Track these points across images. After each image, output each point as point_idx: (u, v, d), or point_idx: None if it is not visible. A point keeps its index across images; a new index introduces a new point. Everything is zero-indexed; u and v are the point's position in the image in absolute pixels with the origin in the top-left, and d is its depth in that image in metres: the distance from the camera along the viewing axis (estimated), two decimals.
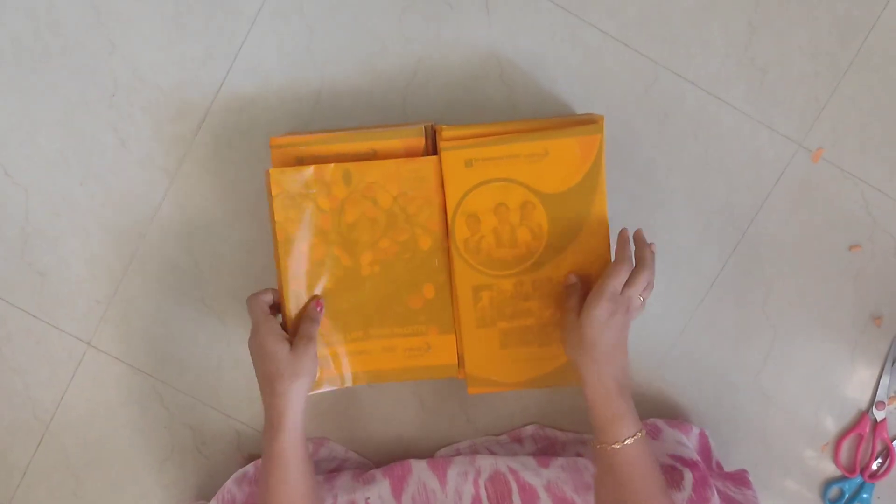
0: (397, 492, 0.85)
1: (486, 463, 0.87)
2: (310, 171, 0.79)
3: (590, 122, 0.81)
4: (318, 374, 0.80)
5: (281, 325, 0.80)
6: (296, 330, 0.80)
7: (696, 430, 0.93)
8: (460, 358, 0.84)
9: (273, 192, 0.78)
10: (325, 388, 0.83)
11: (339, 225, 0.80)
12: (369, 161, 0.79)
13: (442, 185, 0.80)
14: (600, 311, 0.74)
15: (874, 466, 0.99)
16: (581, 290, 0.80)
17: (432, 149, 0.83)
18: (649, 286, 0.79)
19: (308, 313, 0.80)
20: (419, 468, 0.88)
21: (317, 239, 0.80)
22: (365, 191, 0.80)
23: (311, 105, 0.91)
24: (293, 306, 0.81)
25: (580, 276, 0.82)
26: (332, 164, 0.79)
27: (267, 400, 0.76)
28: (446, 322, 0.84)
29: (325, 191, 0.79)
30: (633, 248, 0.80)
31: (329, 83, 0.91)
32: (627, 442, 0.71)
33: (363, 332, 0.83)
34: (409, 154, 0.81)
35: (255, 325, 0.78)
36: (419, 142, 0.81)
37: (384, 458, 0.95)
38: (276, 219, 0.79)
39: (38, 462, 0.96)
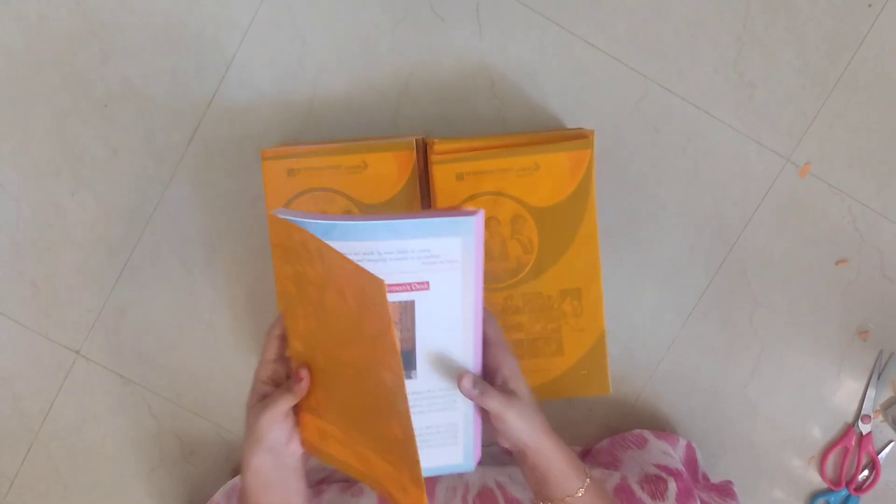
0: None
1: (475, 477, 0.87)
2: (302, 231, 0.60)
3: (580, 136, 0.81)
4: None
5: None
6: (302, 405, 0.69)
7: (682, 442, 0.94)
8: None
9: (272, 241, 0.66)
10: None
11: (324, 306, 0.62)
12: (330, 248, 0.58)
13: (394, 321, 0.61)
14: (517, 368, 0.70)
15: (860, 479, 1.00)
16: (481, 383, 0.69)
17: (423, 161, 0.83)
18: None
19: (288, 382, 0.68)
20: None
21: (308, 309, 0.64)
22: (337, 282, 0.60)
23: (303, 116, 0.91)
24: (295, 363, 0.69)
25: (569, 290, 0.82)
26: (312, 236, 0.59)
27: None
28: (417, 474, 0.61)
29: (308, 259, 0.61)
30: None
31: (321, 95, 0.91)
32: (579, 494, 0.69)
33: (345, 430, 0.67)
34: (401, 167, 0.81)
35: None
36: (410, 155, 0.81)
37: None
38: (275, 269, 0.67)
39: (26, 471, 0.96)
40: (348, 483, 0.91)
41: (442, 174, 0.81)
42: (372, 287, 0.55)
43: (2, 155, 0.91)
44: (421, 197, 0.82)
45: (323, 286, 0.61)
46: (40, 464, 0.96)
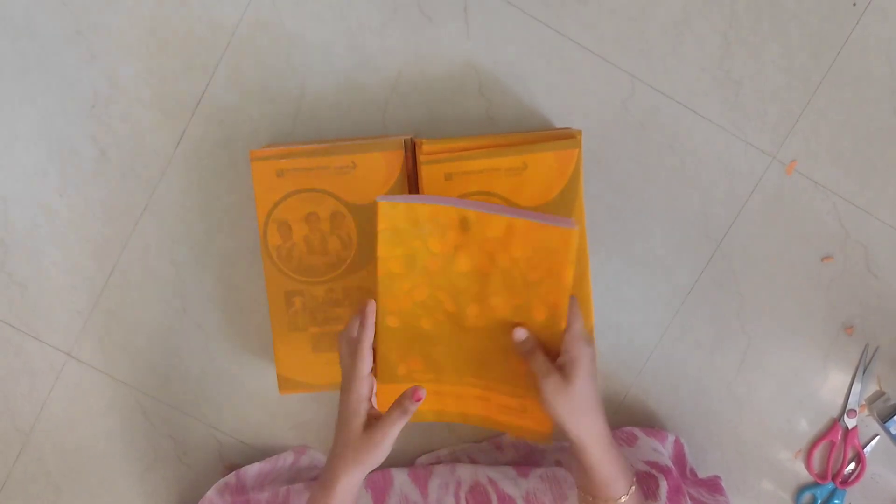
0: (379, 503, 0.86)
1: (467, 473, 0.88)
2: (424, 209, 0.70)
3: (568, 136, 0.82)
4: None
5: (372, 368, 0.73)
6: (386, 377, 0.74)
7: (671, 438, 0.95)
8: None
9: (379, 227, 0.70)
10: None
11: (449, 271, 0.72)
12: (494, 215, 0.69)
13: (573, 261, 0.69)
14: (589, 362, 0.69)
15: (846, 473, 1.01)
16: (533, 341, 0.72)
17: (412, 162, 0.83)
18: None
19: (402, 402, 0.68)
20: (400, 478, 0.89)
21: (421, 279, 0.72)
22: (483, 244, 0.70)
23: (292, 117, 0.91)
24: (388, 347, 0.75)
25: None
26: (451, 208, 0.70)
27: (326, 464, 0.71)
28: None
29: (438, 233, 0.71)
30: None
31: (309, 95, 0.91)
32: (622, 500, 0.70)
33: (457, 376, 0.76)
34: (390, 167, 0.82)
35: (342, 377, 0.72)
36: (399, 155, 0.82)
37: None
38: (379, 254, 0.71)
39: (17, 473, 0.96)
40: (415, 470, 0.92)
41: (430, 174, 0.81)
42: (557, 236, 0.68)
43: None
44: None
45: (453, 255, 0.71)
46: (32, 466, 0.96)
